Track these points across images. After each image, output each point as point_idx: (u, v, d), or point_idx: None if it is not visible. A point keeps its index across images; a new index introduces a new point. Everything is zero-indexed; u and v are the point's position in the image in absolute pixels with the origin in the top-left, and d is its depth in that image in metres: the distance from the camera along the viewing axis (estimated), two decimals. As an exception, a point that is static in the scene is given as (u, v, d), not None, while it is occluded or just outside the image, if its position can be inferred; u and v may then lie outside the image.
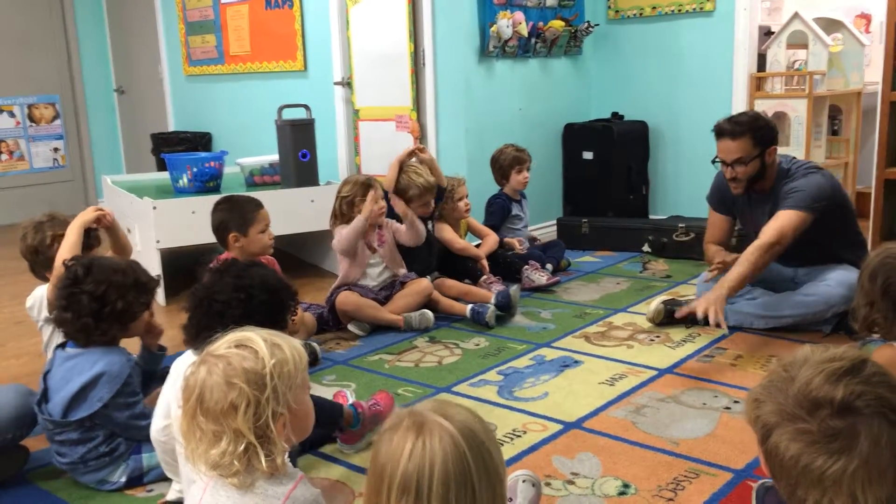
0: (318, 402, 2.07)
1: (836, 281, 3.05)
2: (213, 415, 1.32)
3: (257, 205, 3.08)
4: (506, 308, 3.44)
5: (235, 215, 3.03)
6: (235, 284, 1.90)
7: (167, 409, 1.91)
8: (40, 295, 2.59)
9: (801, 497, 1.08)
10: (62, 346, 2.21)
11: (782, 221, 2.97)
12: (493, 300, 3.47)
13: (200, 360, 1.38)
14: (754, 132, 3.05)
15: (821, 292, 3.07)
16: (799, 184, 3.04)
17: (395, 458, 1.07)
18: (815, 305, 3.07)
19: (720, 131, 3.12)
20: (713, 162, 3.21)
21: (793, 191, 3.02)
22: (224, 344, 1.38)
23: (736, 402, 2.52)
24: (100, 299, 2.11)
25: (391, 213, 3.60)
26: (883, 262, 1.94)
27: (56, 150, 6.82)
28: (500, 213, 4.23)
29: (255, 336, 1.38)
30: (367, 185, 3.44)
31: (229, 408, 1.31)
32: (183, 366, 1.86)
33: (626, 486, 2.05)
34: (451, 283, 3.70)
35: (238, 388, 1.31)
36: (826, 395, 1.06)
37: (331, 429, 2.28)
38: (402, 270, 3.56)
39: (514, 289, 3.49)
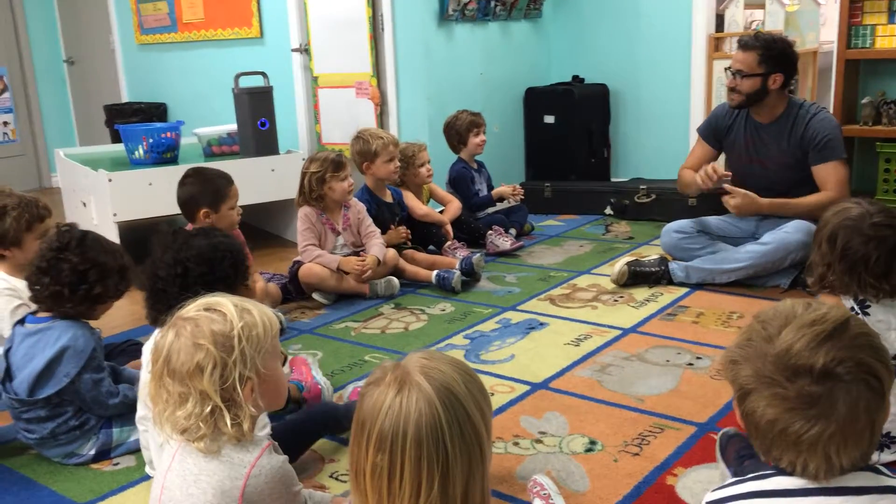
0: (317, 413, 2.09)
1: (793, 227, 3.13)
2: (180, 376, 1.32)
3: (229, 180, 3.00)
4: (470, 274, 3.45)
5: (207, 190, 2.94)
6: (174, 258, 1.85)
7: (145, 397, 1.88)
8: None
9: (777, 456, 1.09)
10: (21, 321, 2.16)
11: (840, 176, 3.11)
12: (457, 266, 3.47)
13: (170, 324, 1.37)
14: (764, 51, 3.13)
15: (778, 239, 3.14)
16: (822, 127, 3.13)
17: (373, 413, 1.08)
18: (773, 253, 3.14)
19: (739, 41, 3.24)
20: (726, 69, 3.29)
21: (825, 140, 3.11)
22: (193, 308, 1.38)
23: (699, 358, 2.57)
24: (80, 275, 2.07)
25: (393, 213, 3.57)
26: (842, 224, 1.91)
27: (6, 123, 6.62)
28: (463, 183, 4.20)
29: (225, 300, 1.38)
30: (337, 162, 3.35)
31: (195, 369, 1.31)
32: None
33: (592, 442, 2.08)
34: (422, 257, 3.67)
35: (205, 349, 1.31)
36: (806, 362, 1.04)
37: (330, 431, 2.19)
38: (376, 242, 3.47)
39: (476, 257, 3.49)
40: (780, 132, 3.21)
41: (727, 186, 3.23)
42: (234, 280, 1.88)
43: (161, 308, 1.84)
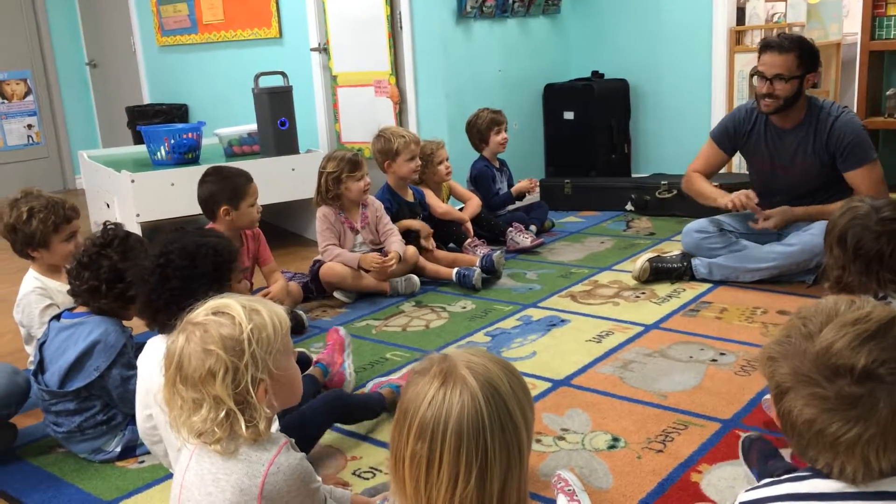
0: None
1: (819, 229, 3.06)
2: (192, 382, 1.32)
3: (248, 178, 3.04)
4: (490, 271, 3.44)
5: (227, 188, 2.98)
6: (161, 249, 1.87)
7: (144, 401, 1.89)
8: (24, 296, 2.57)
9: (813, 457, 1.05)
10: (57, 317, 2.21)
11: (874, 177, 3.04)
12: (477, 263, 3.47)
13: (180, 329, 1.38)
14: (801, 51, 3.03)
15: (804, 241, 3.09)
16: (847, 131, 3.05)
17: (416, 402, 1.08)
18: (799, 255, 3.09)
19: (767, 44, 3.09)
20: (751, 75, 3.19)
21: (851, 145, 3.04)
22: (202, 311, 1.38)
23: (722, 354, 2.55)
24: (118, 273, 2.10)
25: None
26: (851, 224, 1.89)
27: (30, 126, 6.70)
28: (485, 181, 4.18)
29: (234, 302, 1.38)
30: (354, 161, 3.35)
31: (207, 375, 1.31)
32: (150, 352, 1.85)
33: (615, 439, 2.07)
34: (442, 254, 3.66)
35: (215, 354, 1.31)
36: (847, 362, 1.00)
37: (339, 420, 2.19)
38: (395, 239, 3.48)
39: (497, 254, 3.49)
40: (803, 137, 3.13)
41: (758, 213, 3.17)
42: (213, 279, 1.86)
43: (153, 307, 1.86)
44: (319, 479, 1.47)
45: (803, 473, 1.09)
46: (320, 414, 2.04)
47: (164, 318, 1.82)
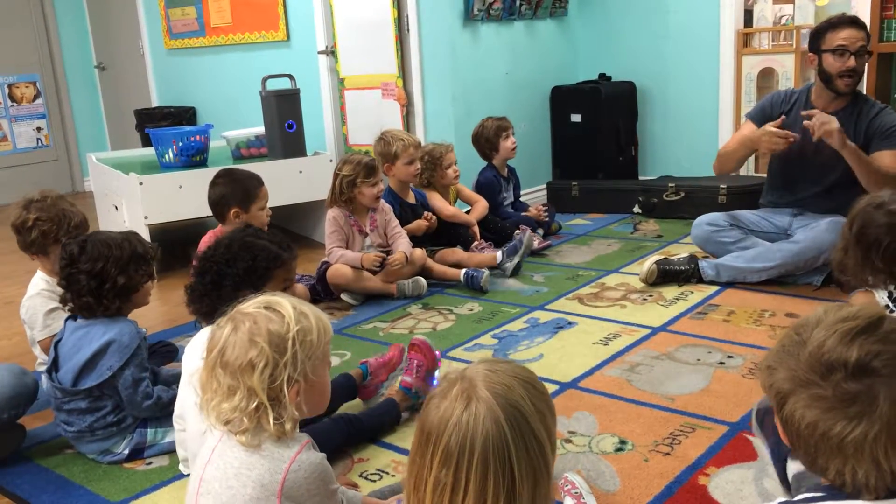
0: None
1: (826, 225, 3.07)
2: (231, 369, 1.35)
3: (259, 181, 3.06)
4: (514, 250, 3.50)
5: (238, 190, 3.00)
6: (207, 249, 1.96)
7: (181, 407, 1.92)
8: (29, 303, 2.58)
9: (823, 466, 1.02)
10: (73, 316, 2.22)
11: None
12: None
13: (229, 317, 1.40)
14: (865, 30, 3.07)
15: (811, 237, 3.09)
16: (892, 119, 3.06)
17: (440, 427, 1.07)
18: (806, 252, 3.08)
19: (841, 21, 3.10)
20: (830, 50, 3.07)
21: (893, 128, 3.05)
22: (253, 304, 1.40)
23: (730, 356, 2.54)
24: (98, 276, 2.11)
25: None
26: (863, 210, 1.94)
27: (39, 129, 6.74)
28: (489, 190, 4.15)
29: (285, 301, 1.40)
30: (370, 167, 3.37)
31: (247, 365, 1.34)
32: (197, 342, 1.88)
33: (623, 442, 2.06)
34: (451, 254, 3.66)
35: (260, 346, 1.34)
36: (839, 357, 0.99)
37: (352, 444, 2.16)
38: (402, 241, 3.48)
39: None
40: (843, 120, 3.07)
41: (807, 115, 3.05)
42: (244, 280, 1.92)
43: (194, 294, 1.95)
44: (337, 483, 1.48)
45: (817, 494, 1.06)
46: (330, 439, 1.99)
47: (200, 307, 1.92)
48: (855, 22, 3.09)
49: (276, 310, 1.38)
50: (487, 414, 1.06)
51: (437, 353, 2.33)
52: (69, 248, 2.16)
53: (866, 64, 3.06)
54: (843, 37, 3.06)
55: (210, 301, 1.91)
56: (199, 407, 1.41)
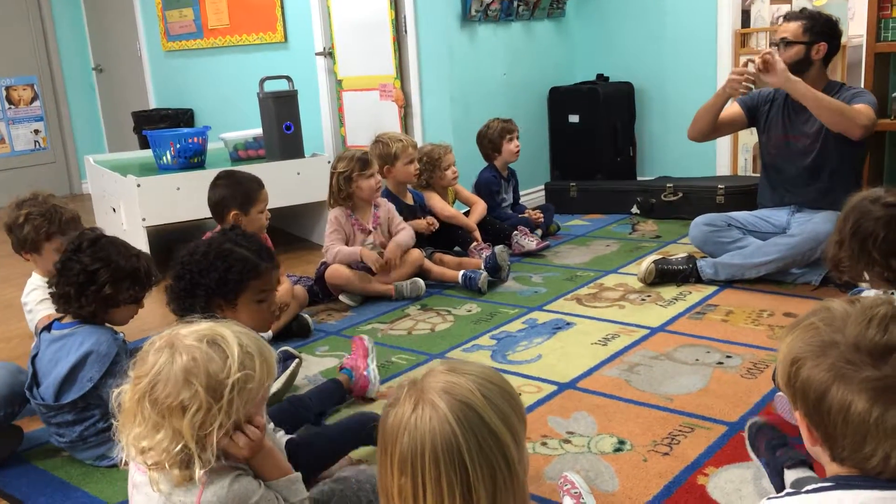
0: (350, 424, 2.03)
1: (822, 218, 3.10)
2: (160, 408, 1.27)
3: (260, 184, 3.05)
4: (495, 270, 3.44)
5: (238, 193, 2.98)
6: (186, 252, 1.93)
7: None
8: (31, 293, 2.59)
9: (869, 452, 1.02)
10: (48, 328, 2.18)
11: (867, 106, 3.06)
12: (482, 265, 3.47)
13: (167, 341, 1.32)
14: (809, 21, 3.19)
15: (807, 230, 3.12)
16: (861, 91, 3.16)
17: (393, 434, 1.06)
18: (803, 244, 3.10)
19: (785, 15, 3.33)
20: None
21: (860, 94, 3.13)
22: (197, 335, 1.31)
23: (729, 356, 2.54)
24: (90, 275, 2.07)
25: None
26: (858, 204, 1.94)
27: (37, 132, 6.74)
28: (487, 191, 4.14)
29: (232, 337, 1.31)
30: (364, 160, 3.38)
31: (178, 406, 1.26)
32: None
33: (621, 442, 2.06)
34: (448, 258, 3.65)
35: (194, 389, 1.26)
36: (889, 341, 1.01)
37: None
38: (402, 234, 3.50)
39: (499, 248, 3.48)
40: None
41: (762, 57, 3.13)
42: (215, 291, 1.88)
43: (171, 294, 1.93)
44: (261, 488, 1.41)
45: (826, 484, 1.06)
46: (346, 440, 1.98)
47: (177, 308, 1.90)
48: (791, 15, 3.27)
49: (221, 346, 1.29)
50: (434, 413, 1.04)
51: (364, 341, 2.53)
52: (82, 237, 2.12)
53: (795, 54, 3.18)
54: (777, 30, 3.27)
55: (185, 305, 1.89)
56: (117, 430, 1.34)
